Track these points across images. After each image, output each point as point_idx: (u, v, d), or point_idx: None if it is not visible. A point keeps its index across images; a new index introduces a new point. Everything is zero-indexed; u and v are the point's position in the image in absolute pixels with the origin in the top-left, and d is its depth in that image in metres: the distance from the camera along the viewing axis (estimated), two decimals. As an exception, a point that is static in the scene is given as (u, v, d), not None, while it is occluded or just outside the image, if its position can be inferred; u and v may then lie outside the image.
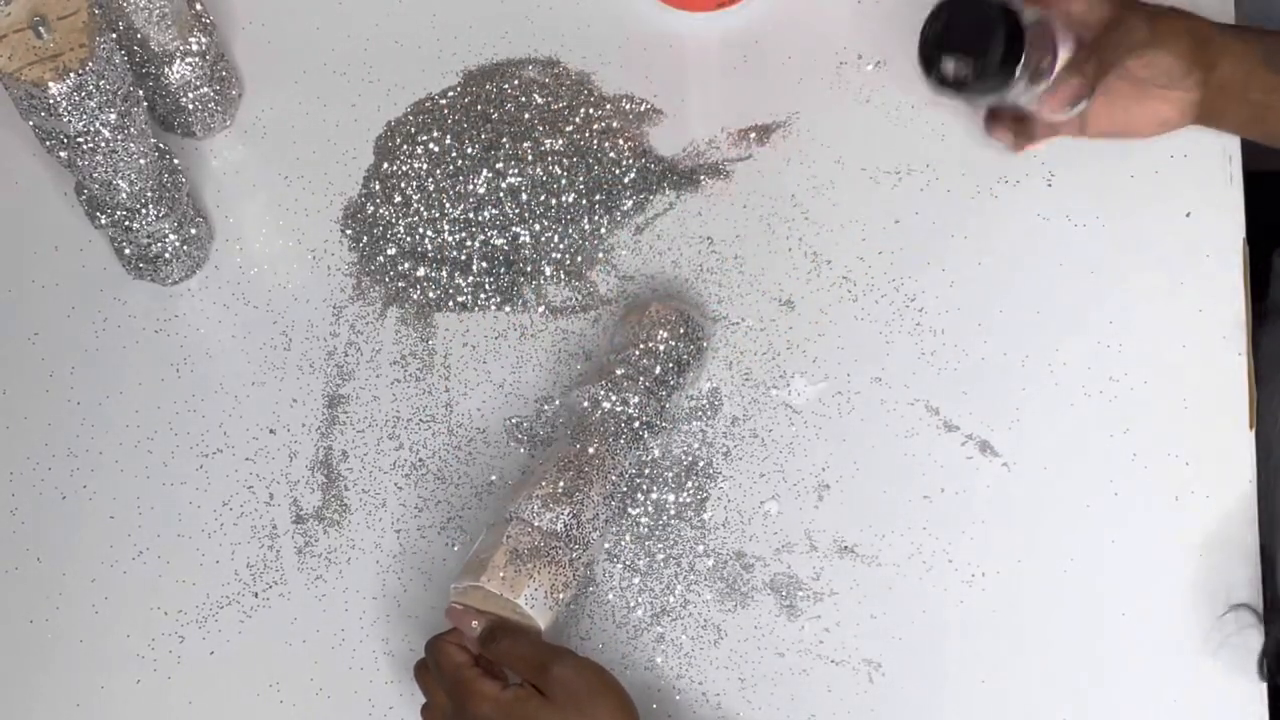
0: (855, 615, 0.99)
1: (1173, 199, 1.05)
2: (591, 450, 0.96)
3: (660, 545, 1.00)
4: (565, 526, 0.94)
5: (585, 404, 0.99)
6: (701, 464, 1.02)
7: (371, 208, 1.10)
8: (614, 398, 0.98)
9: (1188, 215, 1.05)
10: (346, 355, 1.07)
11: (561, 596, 0.93)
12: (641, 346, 1.00)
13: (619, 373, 0.99)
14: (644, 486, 1.01)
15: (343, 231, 1.10)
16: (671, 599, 0.99)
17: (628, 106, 1.12)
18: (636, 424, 0.98)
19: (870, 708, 0.98)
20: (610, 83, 1.13)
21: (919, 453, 1.02)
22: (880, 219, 1.07)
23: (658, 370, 0.99)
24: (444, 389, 1.05)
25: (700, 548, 1.00)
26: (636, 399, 0.98)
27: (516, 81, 1.12)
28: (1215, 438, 1.01)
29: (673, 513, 1.01)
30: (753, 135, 1.11)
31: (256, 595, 1.01)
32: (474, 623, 0.92)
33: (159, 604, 1.01)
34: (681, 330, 1.00)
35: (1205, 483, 1.01)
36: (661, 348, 1.00)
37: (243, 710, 0.99)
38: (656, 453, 1.01)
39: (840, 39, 1.13)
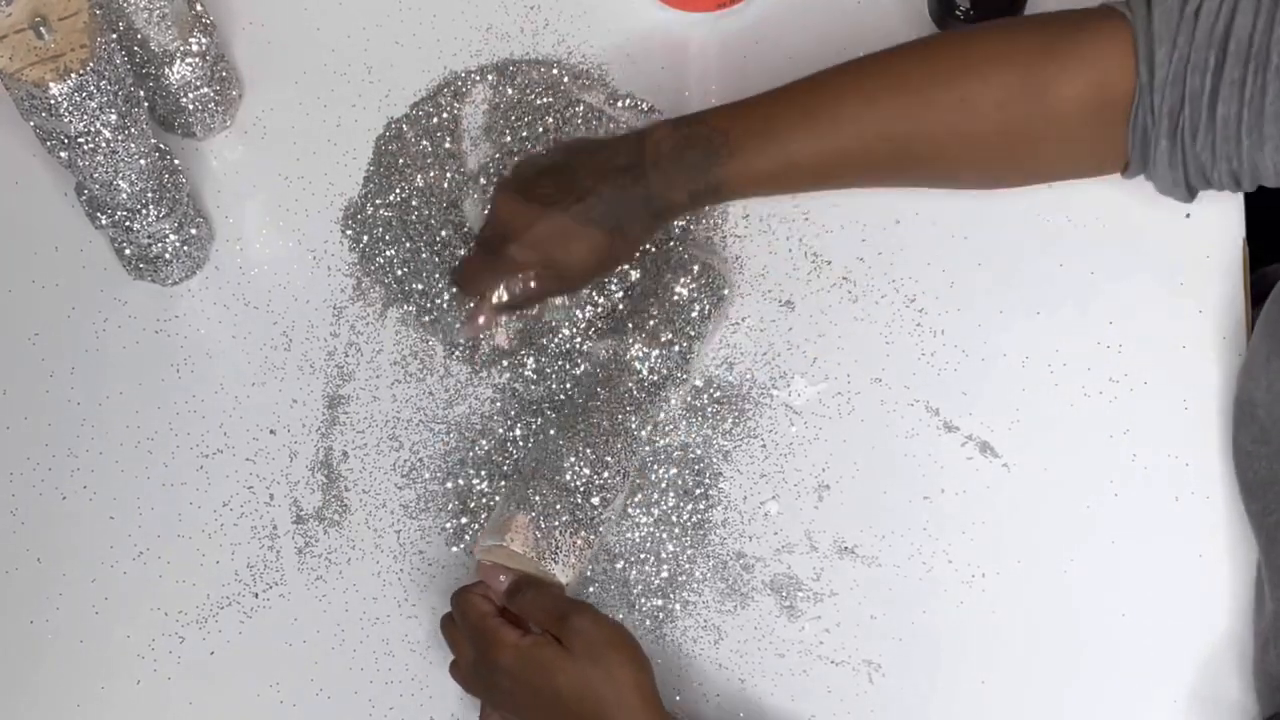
0: (855, 616, 0.99)
1: (1173, 199, 1.05)
2: (613, 405, 0.97)
3: (660, 546, 1.00)
4: (587, 484, 0.95)
5: (605, 355, 0.99)
6: (702, 465, 1.02)
7: (371, 208, 1.10)
8: (635, 349, 0.98)
9: (1188, 215, 1.05)
10: (347, 356, 1.07)
11: (585, 554, 0.95)
12: (662, 295, 1.00)
13: (638, 323, 0.99)
14: (644, 487, 1.01)
15: (343, 231, 1.10)
16: (672, 599, 1.00)
17: (628, 107, 1.12)
18: (657, 376, 0.99)
19: (870, 708, 0.98)
20: (611, 83, 1.13)
21: (919, 453, 1.02)
22: (880, 219, 1.07)
23: (678, 320, 1.00)
24: (444, 388, 1.05)
25: (700, 548, 1.00)
26: (657, 352, 0.98)
27: (519, 81, 1.12)
28: (1215, 438, 1.01)
29: (673, 513, 1.01)
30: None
31: (256, 595, 1.01)
32: (501, 576, 0.94)
33: (159, 604, 1.01)
34: (703, 280, 1.01)
35: (1205, 483, 1.01)
36: (682, 296, 1.00)
37: (243, 710, 0.99)
38: (674, 404, 1.01)
39: (840, 38, 1.13)
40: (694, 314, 1.01)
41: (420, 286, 1.07)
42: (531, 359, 1.04)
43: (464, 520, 1.02)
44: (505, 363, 1.05)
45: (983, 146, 0.96)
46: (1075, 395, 1.03)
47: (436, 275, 1.07)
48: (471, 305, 1.03)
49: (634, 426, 0.98)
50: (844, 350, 1.05)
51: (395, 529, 1.03)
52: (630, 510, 1.00)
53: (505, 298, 1.01)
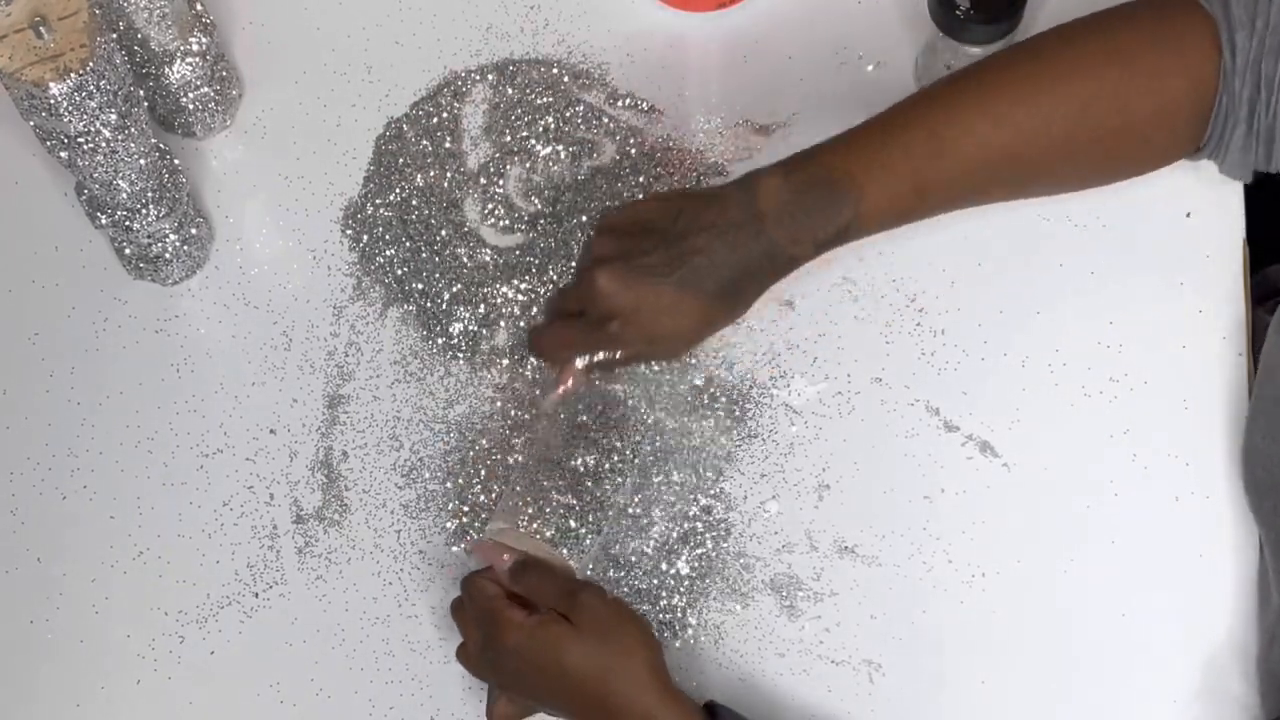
0: (855, 615, 0.99)
1: (1173, 199, 1.05)
2: (620, 393, 0.97)
3: (659, 546, 1.00)
4: (595, 469, 0.95)
5: None
6: (702, 465, 1.02)
7: (371, 208, 1.10)
8: None
9: (1188, 215, 1.05)
10: (347, 355, 1.07)
11: (591, 539, 0.94)
12: None
13: None
14: (645, 486, 1.01)
15: (343, 231, 1.10)
16: (673, 600, 0.99)
17: (628, 107, 1.12)
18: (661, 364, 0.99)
19: (870, 708, 0.98)
20: (610, 83, 1.13)
21: (919, 453, 1.02)
22: (880, 219, 1.07)
23: None
24: (444, 388, 1.05)
25: (700, 548, 1.00)
26: None
27: (519, 81, 1.12)
28: (1215, 438, 1.01)
29: (674, 514, 1.01)
30: (753, 135, 1.11)
31: (257, 595, 1.01)
32: (505, 556, 0.93)
33: (159, 604, 1.01)
34: None
35: (1205, 483, 1.01)
36: None
37: (243, 710, 0.99)
38: (659, 444, 1.01)
39: (840, 38, 1.13)
40: None
41: (420, 286, 1.07)
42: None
43: (464, 521, 1.02)
44: (505, 362, 1.05)
45: (1099, 150, 0.96)
46: (1075, 395, 1.03)
47: (437, 275, 1.07)
48: (552, 370, 0.98)
49: (642, 412, 0.98)
50: (844, 350, 1.05)
51: (395, 529, 1.03)
52: (631, 510, 1.00)
53: (590, 364, 0.95)
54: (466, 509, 1.02)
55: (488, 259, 1.07)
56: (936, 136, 0.93)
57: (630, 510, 1.00)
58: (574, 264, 1.06)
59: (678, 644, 0.99)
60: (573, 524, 0.94)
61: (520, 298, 1.06)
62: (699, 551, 1.00)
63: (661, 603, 0.99)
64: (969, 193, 0.98)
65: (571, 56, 1.14)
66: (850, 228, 0.93)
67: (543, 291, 1.06)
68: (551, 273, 1.06)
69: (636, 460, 0.98)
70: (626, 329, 0.92)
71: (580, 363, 0.95)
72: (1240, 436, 0.99)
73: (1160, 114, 0.95)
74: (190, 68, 1.07)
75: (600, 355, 0.94)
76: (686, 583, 1.00)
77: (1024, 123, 0.94)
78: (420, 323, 1.07)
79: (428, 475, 1.03)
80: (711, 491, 1.01)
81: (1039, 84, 0.94)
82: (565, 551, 0.93)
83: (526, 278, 1.07)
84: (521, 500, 0.95)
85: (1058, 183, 1.01)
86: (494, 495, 1.02)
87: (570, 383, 0.96)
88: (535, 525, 0.93)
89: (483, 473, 1.02)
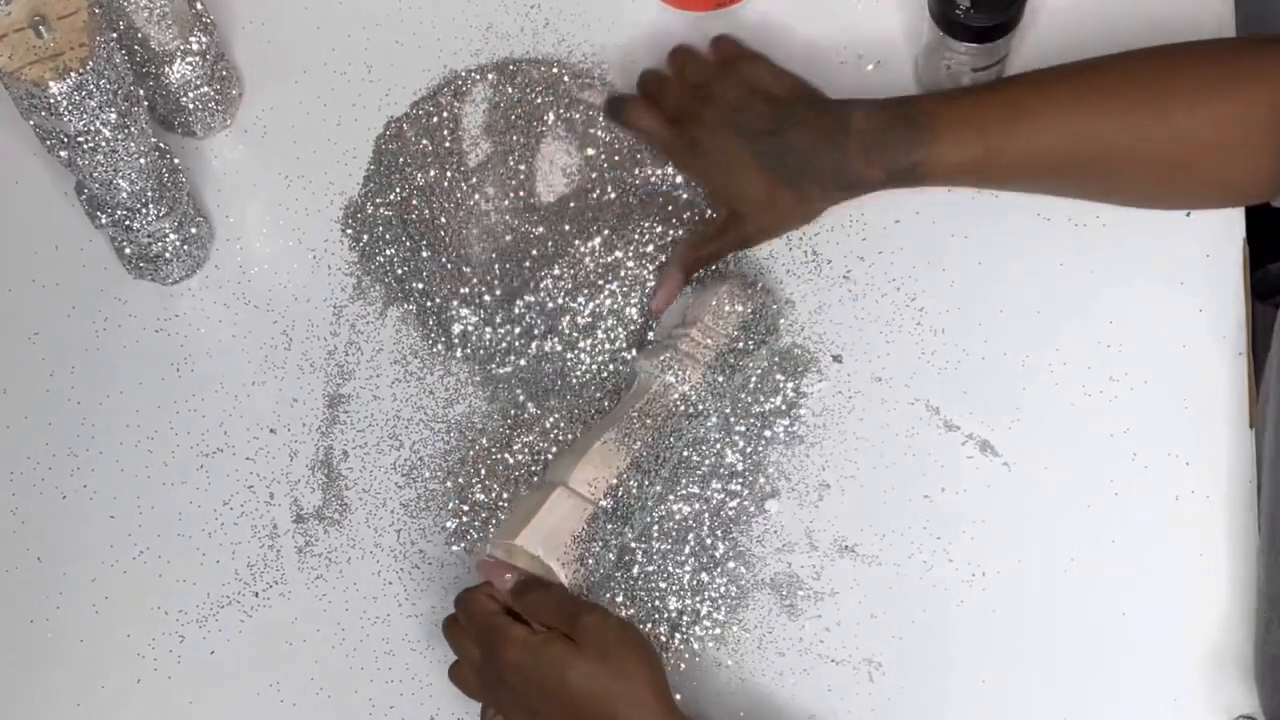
0: (855, 615, 0.99)
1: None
2: (646, 423, 0.97)
3: (659, 548, 1.00)
4: (609, 497, 0.95)
5: (644, 375, 0.99)
6: (703, 465, 1.02)
7: (371, 207, 1.10)
8: (674, 372, 0.98)
9: (1188, 215, 1.05)
10: (347, 355, 1.07)
11: (595, 564, 0.94)
12: (708, 325, 1.00)
13: (682, 348, 0.99)
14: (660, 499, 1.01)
15: (343, 231, 1.10)
16: (671, 601, 0.99)
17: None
18: (691, 398, 0.98)
19: (870, 708, 0.98)
20: (610, 83, 1.13)
21: (919, 452, 1.02)
22: (880, 219, 1.07)
23: (720, 351, 1.00)
24: (444, 388, 1.05)
25: (702, 547, 1.01)
26: (696, 376, 0.98)
27: (519, 80, 1.12)
28: (1215, 438, 1.01)
29: (675, 513, 1.01)
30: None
31: (257, 595, 1.01)
32: (507, 575, 0.93)
33: (159, 604, 1.01)
34: (751, 317, 1.01)
35: (1205, 483, 1.01)
36: (727, 331, 1.00)
37: (243, 710, 0.99)
38: (702, 434, 1.01)
39: (840, 38, 1.13)
40: (736, 347, 1.01)
41: (420, 285, 1.07)
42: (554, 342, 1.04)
43: (464, 520, 1.02)
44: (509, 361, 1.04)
45: (1174, 177, 0.99)
46: (1075, 395, 1.03)
47: (437, 275, 1.07)
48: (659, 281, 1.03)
49: (662, 448, 0.98)
50: (844, 349, 1.05)
51: (395, 528, 1.03)
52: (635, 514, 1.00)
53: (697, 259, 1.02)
54: (466, 508, 1.02)
55: (490, 258, 1.07)
56: (1017, 116, 0.98)
57: (643, 527, 1.00)
58: (575, 266, 1.06)
59: (678, 645, 0.99)
60: (579, 550, 0.94)
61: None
62: (698, 551, 1.00)
63: (661, 603, 0.99)
64: (1035, 176, 1.00)
65: (571, 56, 1.14)
66: (919, 168, 0.98)
67: (541, 295, 1.06)
68: (555, 271, 1.06)
69: (651, 491, 0.98)
70: (701, 157, 1.01)
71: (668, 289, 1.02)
72: (1239, 437, 1.00)
73: (1242, 138, 0.96)
74: (190, 67, 1.07)
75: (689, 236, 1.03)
76: (686, 582, 1.00)
77: (1102, 117, 0.97)
78: (420, 322, 1.07)
79: (428, 474, 1.03)
80: (710, 491, 1.01)
81: (1128, 85, 0.97)
82: (565, 574, 0.93)
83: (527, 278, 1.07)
84: (526, 518, 0.94)
85: (1124, 198, 1.02)
86: (494, 495, 1.02)
87: (669, 288, 1.02)
88: (539, 545, 0.93)
89: (483, 472, 1.02)
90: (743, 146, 0.99)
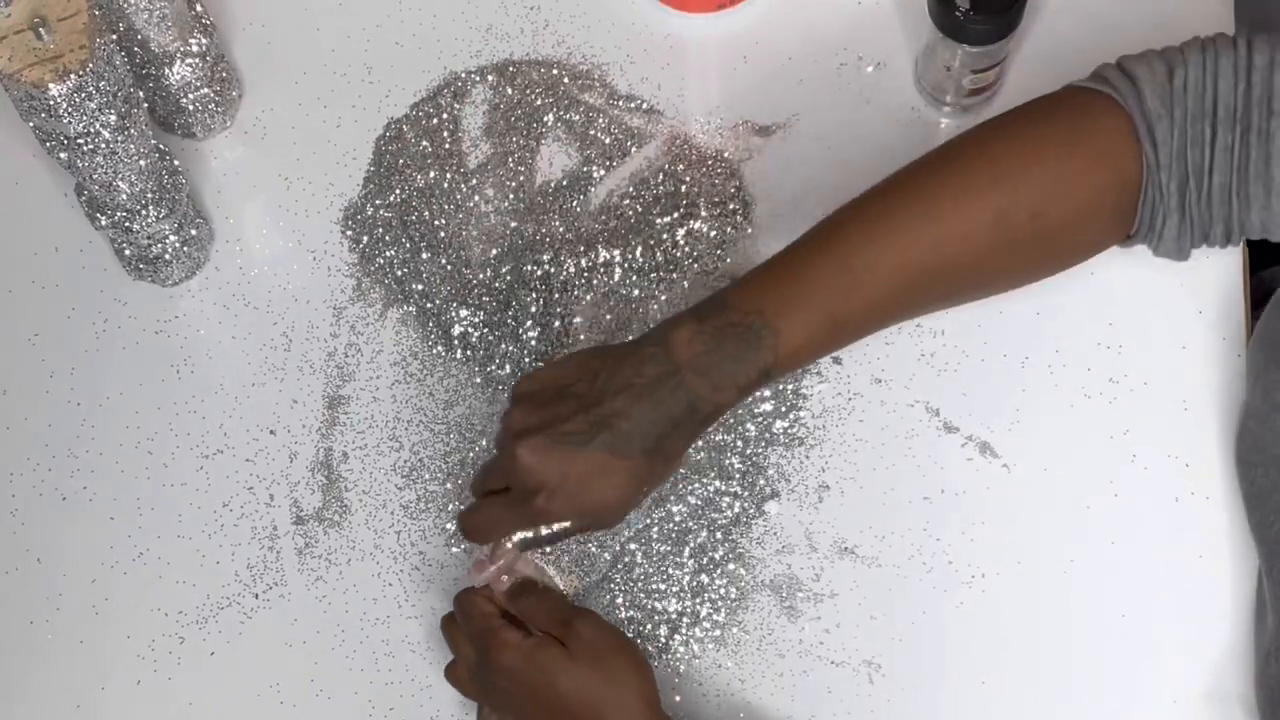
0: (855, 616, 0.99)
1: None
2: None
3: (658, 549, 1.00)
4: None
5: None
6: (701, 467, 1.02)
7: (371, 209, 1.10)
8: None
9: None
10: (347, 356, 1.07)
11: (590, 567, 0.95)
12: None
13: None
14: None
15: (343, 232, 1.10)
16: (671, 602, 0.99)
17: (628, 107, 1.12)
18: None
19: (870, 708, 0.98)
20: (610, 84, 1.13)
21: (919, 453, 1.02)
22: (880, 220, 1.07)
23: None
24: (444, 389, 1.05)
25: (702, 550, 1.01)
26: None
27: (519, 81, 1.12)
28: (1215, 438, 1.01)
29: (675, 514, 1.01)
30: (752, 135, 1.11)
31: (256, 596, 1.01)
32: (503, 577, 0.93)
33: (159, 604, 1.01)
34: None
35: (1205, 483, 1.01)
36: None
37: (243, 710, 0.99)
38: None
39: (840, 39, 1.13)
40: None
41: (420, 287, 1.07)
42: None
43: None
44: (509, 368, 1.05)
45: (1020, 254, 0.91)
46: (1075, 395, 1.03)
47: (437, 277, 1.07)
48: (482, 551, 0.93)
49: None
50: (844, 350, 1.05)
51: (395, 529, 1.03)
52: (631, 516, 1.00)
53: (524, 540, 0.91)
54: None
55: (490, 259, 1.07)
56: (848, 268, 0.88)
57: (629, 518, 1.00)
58: (575, 266, 1.06)
59: (677, 646, 0.99)
60: (574, 555, 0.94)
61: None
62: (698, 553, 1.00)
63: (660, 605, 0.99)
64: (892, 314, 0.93)
65: (571, 57, 1.14)
66: (773, 369, 0.88)
67: (541, 295, 1.06)
68: (561, 267, 1.06)
69: (647, 509, 0.98)
70: (554, 501, 0.87)
71: (510, 543, 0.91)
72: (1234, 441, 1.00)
73: (1081, 213, 0.91)
74: (190, 69, 1.07)
75: (531, 533, 0.90)
76: (685, 584, 1.00)
77: (939, 239, 0.89)
78: (420, 324, 1.07)
79: (427, 476, 1.03)
80: (710, 492, 1.01)
81: (952, 194, 0.89)
82: (560, 579, 0.94)
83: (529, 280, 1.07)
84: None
85: (986, 289, 0.95)
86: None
87: (503, 561, 0.91)
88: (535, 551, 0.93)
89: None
90: (590, 456, 0.86)
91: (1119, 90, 0.90)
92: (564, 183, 1.09)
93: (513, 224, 1.08)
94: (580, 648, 0.89)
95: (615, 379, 0.87)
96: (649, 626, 0.99)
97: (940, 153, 0.92)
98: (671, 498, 1.01)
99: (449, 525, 1.02)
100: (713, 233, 1.07)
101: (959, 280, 0.92)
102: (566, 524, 0.88)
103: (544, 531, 0.89)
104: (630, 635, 0.97)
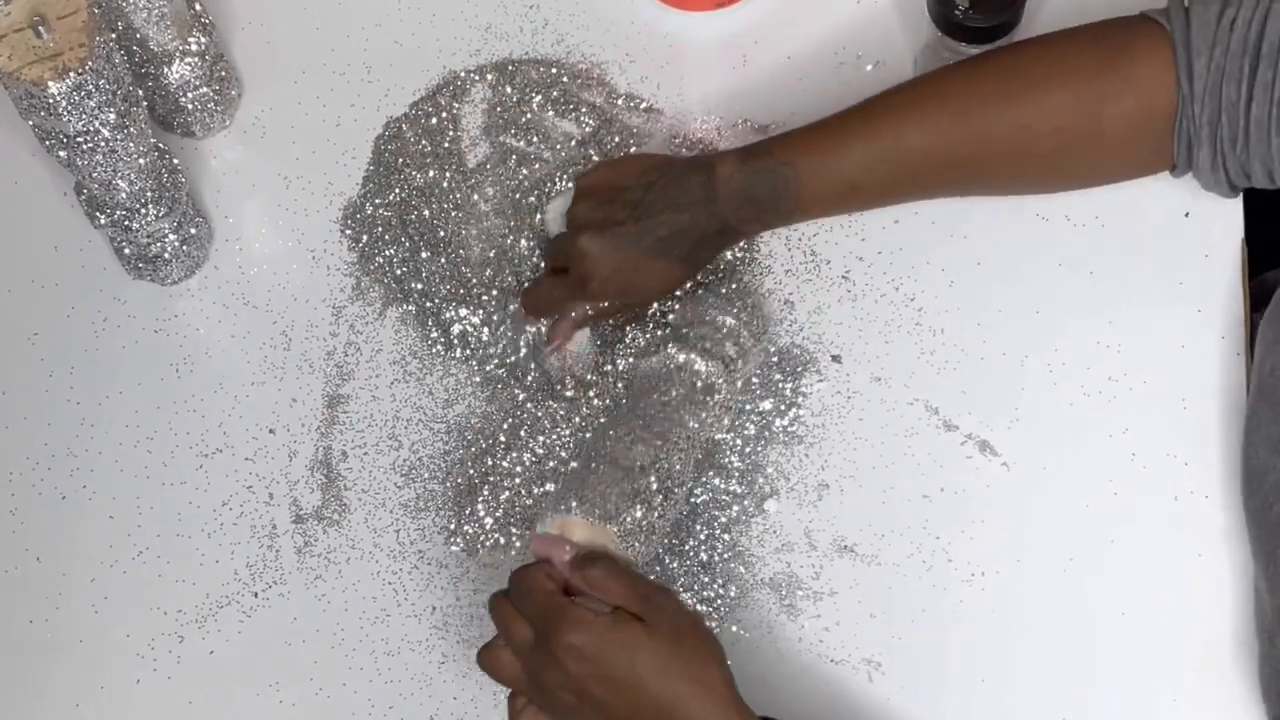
0: (855, 615, 0.99)
1: (1172, 199, 1.05)
2: (673, 401, 0.97)
3: (659, 546, 1.00)
4: (654, 468, 0.94)
5: (656, 360, 0.99)
6: (701, 464, 1.02)
7: (370, 208, 1.10)
8: (687, 354, 0.99)
9: (1187, 215, 1.05)
10: (346, 355, 1.07)
11: (651, 537, 0.93)
12: (708, 319, 1.01)
13: (689, 333, 1.00)
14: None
15: (342, 231, 1.10)
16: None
17: (628, 106, 1.12)
18: (710, 379, 0.99)
19: (870, 708, 0.98)
20: (610, 83, 1.13)
21: (918, 452, 1.02)
22: (880, 219, 1.07)
23: (724, 345, 1.00)
24: (443, 388, 1.05)
25: (700, 548, 1.01)
26: (710, 362, 0.99)
27: (518, 80, 1.12)
28: (1215, 438, 1.01)
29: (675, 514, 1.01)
30: (752, 135, 1.11)
31: (256, 595, 1.01)
32: (567, 547, 0.90)
33: (159, 604, 1.01)
34: (744, 318, 1.02)
35: (1204, 483, 1.01)
36: (727, 323, 1.01)
37: (242, 710, 0.99)
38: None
39: (840, 38, 1.13)
40: (730, 354, 1.01)
41: (419, 286, 1.07)
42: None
43: (463, 520, 1.02)
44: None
45: (1039, 164, 1.00)
46: (1075, 395, 1.03)
47: (436, 276, 1.07)
48: (545, 325, 1.04)
49: (691, 423, 0.97)
50: (843, 349, 1.05)
51: (395, 529, 1.03)
52: (686, 475, 0.99)
53: (580, 317, 1.03)
54: (466, 509, 1.02)
55: (489, 258, 1.07)
56: (876, 137, 0.99)
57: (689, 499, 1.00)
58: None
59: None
60: (640, 514, 0.92)
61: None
62: (697, 550, 1.00)
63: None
64: (905, 191, 1.02)
65: (571, 56, 1.14)
66: (793, 214, 1.01)
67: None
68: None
69: (691, 470, 0.98)
70: (605, 286, 1.00)
71: (567, 326, 1.03)
72: (1238, 437, 1.00)
73: (1101, 138, 0.97)
74: (189, 68, 1.07)
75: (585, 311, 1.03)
76: (685, 582, 1.00)
77: (958, 136, 0.98)
78: (419, 323, 1.07)
79: (427, 475, 1.03)
80: (709, 490, 1.01)
81: (981, 98, 0.98)
82: (626, 547, 0.91)
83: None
84: (581, 492, 0.92)
85: (1003, 189, 1.04)
86: (494, 495, 1.02)
87: (561, 339, 1.03)
88: (598, 517, 0.90)
89: (483, 471, 1.02)
90: (634, 252, 1.00)
91: (1172, 22, 0.95)
92: (564, 182, 1.09)
93: (512, 223, 1.08)
94: (664, 623, 0.85)
95: (665, 196, 1.00)
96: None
97: (987, 55, 1.01)
98: (701, 478, 1.01)
99: (449, 524, 1.02)
100: None
101: (975, 174, 1.01)
102: (606, 305, 1.02)
103: (589, 311, 1.02)
104: None
